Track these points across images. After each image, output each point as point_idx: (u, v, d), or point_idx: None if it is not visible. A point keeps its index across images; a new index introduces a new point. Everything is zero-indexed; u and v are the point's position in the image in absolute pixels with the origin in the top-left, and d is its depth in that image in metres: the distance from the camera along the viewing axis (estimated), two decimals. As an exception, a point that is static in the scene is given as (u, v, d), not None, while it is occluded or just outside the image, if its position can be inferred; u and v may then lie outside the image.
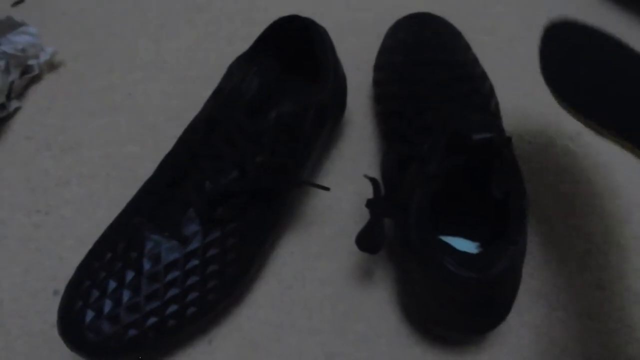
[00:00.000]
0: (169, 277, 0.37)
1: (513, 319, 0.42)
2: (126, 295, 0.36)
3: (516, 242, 0.35)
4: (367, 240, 0.37)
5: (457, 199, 0.43)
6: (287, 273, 0.44)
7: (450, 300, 0.36)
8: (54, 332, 0.40)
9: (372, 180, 0.38)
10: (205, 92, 0.48)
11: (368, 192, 0.49)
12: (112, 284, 0.36)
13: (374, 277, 0.44)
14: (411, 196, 0.37)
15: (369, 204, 0.38)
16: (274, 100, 0.41)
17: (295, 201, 0.48)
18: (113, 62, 0.59)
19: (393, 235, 0.44)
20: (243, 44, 0.46)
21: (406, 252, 0.38)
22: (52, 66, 0.58)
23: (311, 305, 0.43)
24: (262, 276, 0.44)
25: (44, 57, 0.56)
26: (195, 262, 0.38)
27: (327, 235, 0.47)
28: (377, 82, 0.52)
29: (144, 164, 0.48)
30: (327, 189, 0.42)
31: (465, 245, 0.42)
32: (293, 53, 0.48)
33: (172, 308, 0.37)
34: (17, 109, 0.53)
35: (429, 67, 0.47)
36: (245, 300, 0.43)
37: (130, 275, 0.37)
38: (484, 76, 0.49)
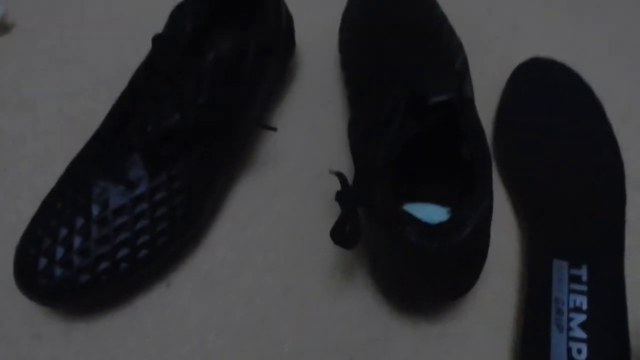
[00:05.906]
0: (118, 221, 0.38)
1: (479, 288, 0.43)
2: (77, 241, 0.37)
3: (480, 206, 0.34)
4: (341, 234, 0.35)
5: (424, 163, 0.41)
6: (242, 213, 0.45)
7: (414, 269, 0.36)
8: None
9: (338, 174, 0.35)
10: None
11: (321, 131, 0.49)
12: (63, 231, 0.37)
13: (329, 212, 0.45)
14: (374, 164, 0.35)
15: (338, 196, 0.35)
16: (213, 41, 0.40)
17: (248, 145, 0.49)
18: (64, 19, 0.58)
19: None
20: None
21: (371, 222, 0.37)
22: (4, 27, 0.57)
23: (267, 242, 0.44)
24: (217, 218, 0.45)
25: (-6, 18, 0.55)
26: (144, 206, 0.38)
27: (282, 174, 0.47)
28: (342, 45, 0.50)
29: (98, 117, 0.48)
30: (274, 129, 0.42)
31: (435, 210, 0.40)
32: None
33: (123, 252, 0.38)
34: (-31, 71, 0.53)
35: (393, 26, 0.45)
36: (202, 242, 0.44)
37: (79, 221, 0.37)
38: (450, 33, 0.46)
